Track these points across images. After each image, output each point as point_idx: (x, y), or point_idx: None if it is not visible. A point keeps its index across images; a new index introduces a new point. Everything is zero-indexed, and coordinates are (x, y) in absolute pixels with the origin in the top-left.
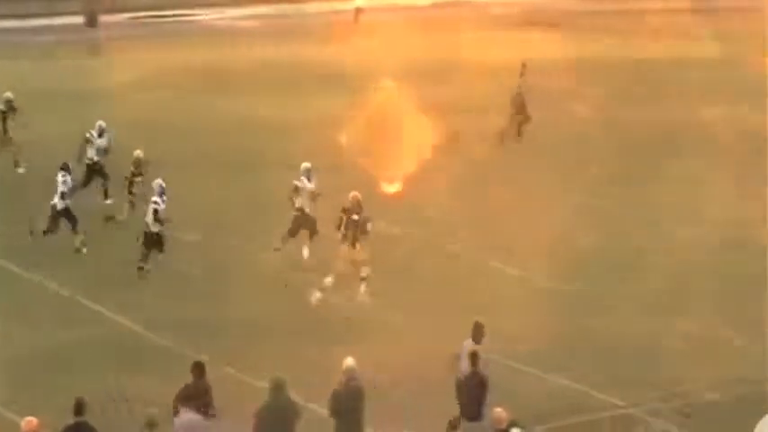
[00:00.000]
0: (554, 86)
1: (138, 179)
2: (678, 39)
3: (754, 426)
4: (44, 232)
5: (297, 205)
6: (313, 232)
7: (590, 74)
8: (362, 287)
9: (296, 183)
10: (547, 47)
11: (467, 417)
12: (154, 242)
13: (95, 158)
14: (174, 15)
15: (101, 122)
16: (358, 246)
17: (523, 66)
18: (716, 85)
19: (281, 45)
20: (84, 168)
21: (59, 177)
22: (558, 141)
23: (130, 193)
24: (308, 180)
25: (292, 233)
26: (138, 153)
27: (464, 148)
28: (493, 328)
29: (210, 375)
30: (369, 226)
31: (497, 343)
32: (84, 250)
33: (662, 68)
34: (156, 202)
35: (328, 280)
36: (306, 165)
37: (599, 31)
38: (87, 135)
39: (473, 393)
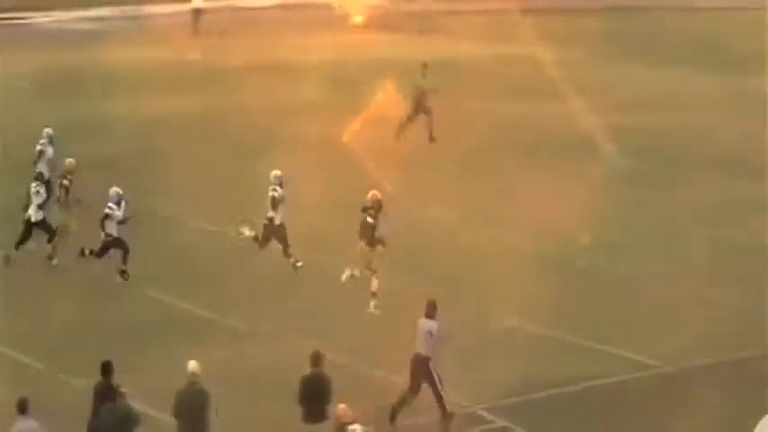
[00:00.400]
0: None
1: (65, 182)
2: (508, 39)
3: (591, 422)
4: (17, 244)
5: (268, 215)
6: (286, 244)
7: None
8: (372, 303)
9: (272, 193)
10: (389, 48)
11: (309, 420)
12: (114, 247)
13: (46, 173)
14: (5, 18)
15: (48, 129)
16: (376, 248)
17: (424, 66)
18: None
19: (119, 48)
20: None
21: (32, 188)
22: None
23: (58, 200)
24: (280, 188)
25: (262, 245)
26: (71, 161)
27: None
28: (320, 328)
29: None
30: (380, 231)
31: (329, 342)
32: (55, 261)
33: (498, 67)
34: (111, 208)
35: (356, 272)
36: (276, 172)
37: (436, 33)
38: (39, 147)
39: (315, 395)
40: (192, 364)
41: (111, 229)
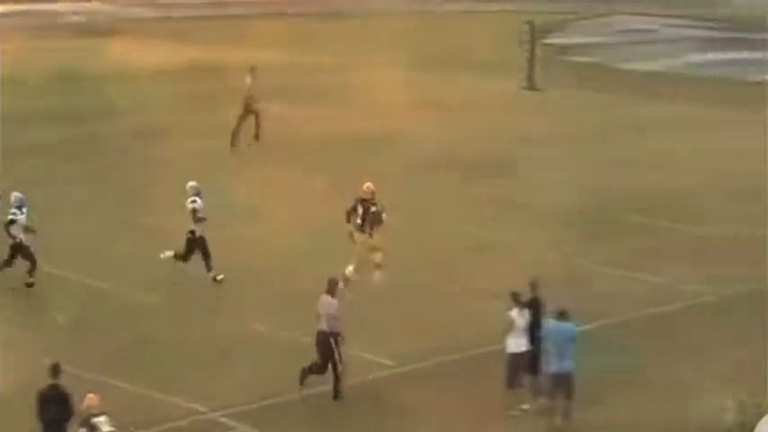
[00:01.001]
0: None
1: None
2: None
3: (336, 422)
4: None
5: (189, 228)
6: (208, 257)
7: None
8: (377, 273)
9: (192, 206)
10: (116, 53)
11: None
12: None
13: None
14: None
15: None
16: (374, 233)
17: (252, 69)
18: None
19: None
20: None
21: None
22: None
23: None
24: (199, 198)
25: (186, 258)
26: None
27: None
28: (67, 340)
29: None
30: (384, 216)
31: (73, 356)
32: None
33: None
34: (14, 214)
35: (350, 269)
36: (192, 183)
37: (164, 37)
38: None
39: (53, 408)
40: None
41: (18, 232)
